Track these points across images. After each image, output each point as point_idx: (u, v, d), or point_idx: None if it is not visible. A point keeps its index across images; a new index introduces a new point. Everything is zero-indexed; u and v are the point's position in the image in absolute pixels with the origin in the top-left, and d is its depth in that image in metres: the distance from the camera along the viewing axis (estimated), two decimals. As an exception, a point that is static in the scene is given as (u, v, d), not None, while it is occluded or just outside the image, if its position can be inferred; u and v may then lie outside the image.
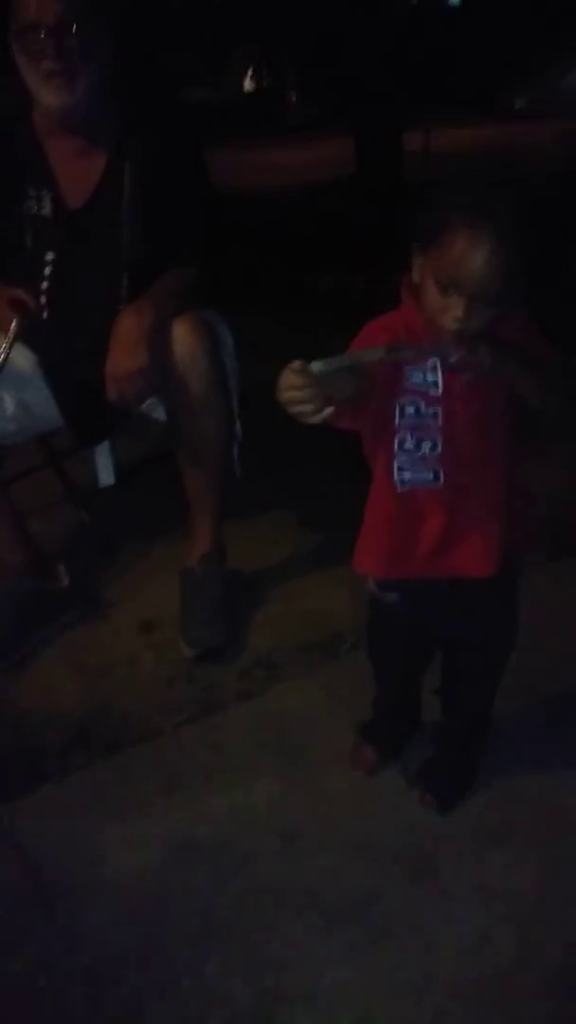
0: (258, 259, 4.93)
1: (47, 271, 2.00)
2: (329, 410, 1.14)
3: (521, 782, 1.59)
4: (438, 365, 1.27)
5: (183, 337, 1.90)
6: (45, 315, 1.99)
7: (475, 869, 1.45)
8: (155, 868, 1.49)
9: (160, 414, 2.04)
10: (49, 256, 1.99)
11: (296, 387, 1.13)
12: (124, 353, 1.85)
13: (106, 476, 2.40)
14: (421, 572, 1.39)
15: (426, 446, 1.31)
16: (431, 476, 1.33)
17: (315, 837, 1.52)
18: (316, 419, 1.15)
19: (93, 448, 2.43)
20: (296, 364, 1.13)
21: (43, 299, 1.99)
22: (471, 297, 1.19)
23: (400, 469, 1.33)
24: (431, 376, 1.28)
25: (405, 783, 1.60)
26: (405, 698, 1.64)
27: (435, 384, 1.28)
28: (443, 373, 1.27)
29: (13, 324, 1.89)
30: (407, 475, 1.33)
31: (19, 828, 1.57)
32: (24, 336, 1.93)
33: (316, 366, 1.13)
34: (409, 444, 1.32)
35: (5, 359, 1.88)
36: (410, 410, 1.30)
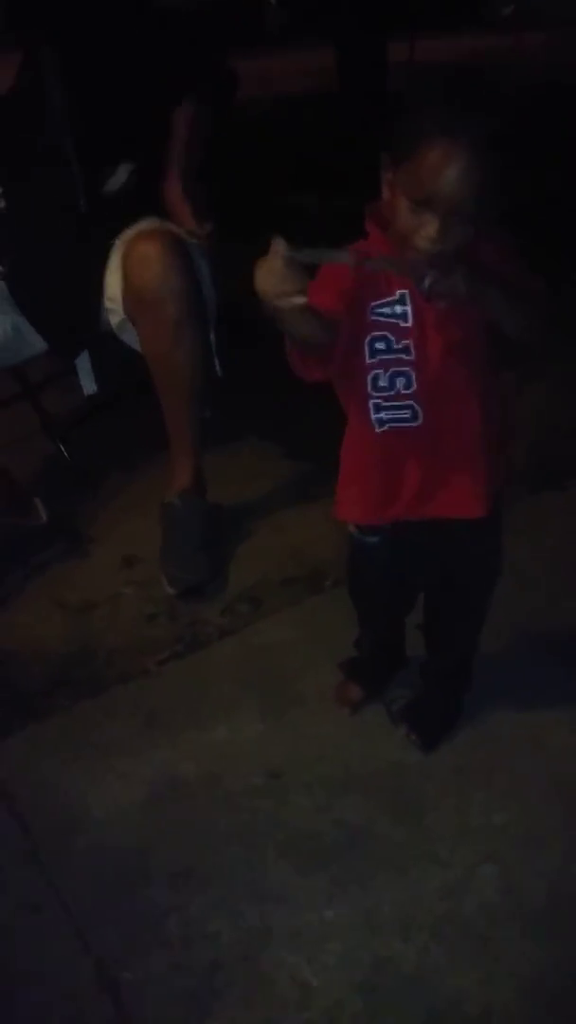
0: (235, 176, 4.76)
1: None
2: (302, 299, 1.08)
3: (505, 720, 1.59)
4: (407, 297, 1.20)
5: (155, 257, 1.83)
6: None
7: (458, 808, 1.45)
8: (139, 807, 1.49)
9: (134, 341, 1.98)
10: None
11: (274, 270, 1.07)
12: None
13: (88, 384, 2.32)
14: (405, 515, 1.35)
15: (400, 383, 1.25)
16: (408, 414, 1.27)
17: (299, 775, 1.52)
18: (290, 304, 1.09)
19: (73, 362, 2.34)
20: (276, 243, 1.06)
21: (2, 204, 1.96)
22: (446, 214, 1.11)
23: (376, 408, 1.28)
24: (399, 307, 1.21)
25: (390, 720, 1.60)
26: (388, 637, 1.63)
27: (404, 316, 1.22)
28: (413, 304, 1.21)
29: None
30: (384, 415, 1.28)
31: (2, 769, 1.56)
32: None
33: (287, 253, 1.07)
34: (383, 381, 1.26)
35: None
36: (380, 345, 1.24)
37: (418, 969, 1.25)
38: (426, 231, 1.12)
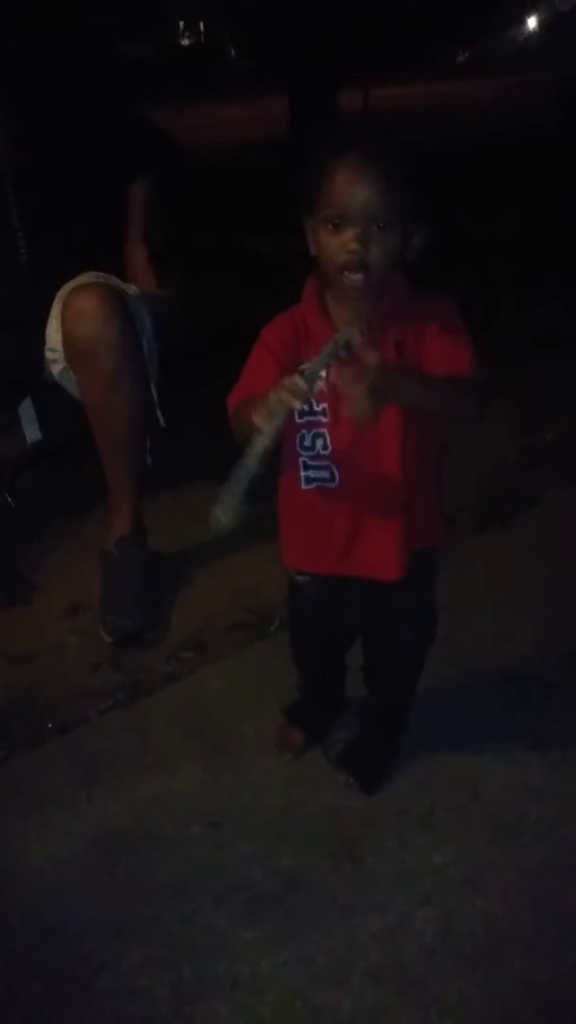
0: (194, 220, 4.82)
1: None
2: None
3: (444, 760, 1.59)
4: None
5: (91, 310, 1.87)
6: None
7: (398, 851, 1.45)
8: (76, 861, 1.46)
9: (75, 390, 1.99)
10: None
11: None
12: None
13: (32, 431, 2.33)
14: (332, 570, 1.38)
15: (319, 443, 1.29)
16: (327, 475, 1.30)
17: (239, 823, 1.51)
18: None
19: (16, 410, 2.34)
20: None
21: None
22: (362, 223, 1.18)
23: (305, 466, 1.31)
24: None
25: (330, 765, 1.60)
26: (326, 679, 1.63)
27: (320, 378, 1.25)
28: (328, 369, 1.23)
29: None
30: (311, 473, 1.31)
31: None
32: None
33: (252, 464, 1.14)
34: (307, 441, 1.30)
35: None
36: (304, 407, 1.26)
37: (354, 1016, 1.23)
38: (345, 242, 1.19)
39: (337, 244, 1.20)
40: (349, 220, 1.19)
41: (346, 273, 1.21)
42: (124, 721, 1.74)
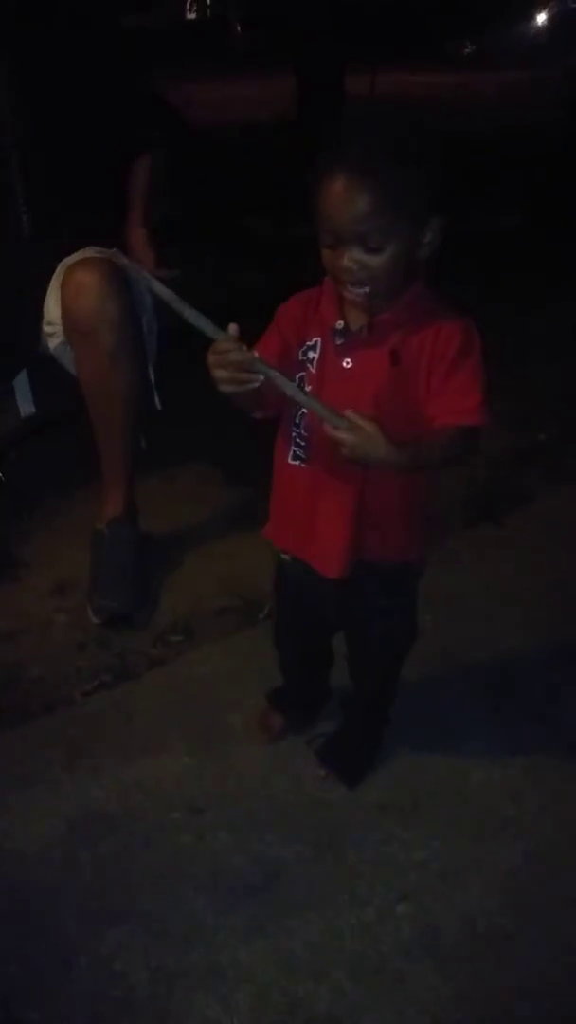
0: (193, 200, 4.77)
1: None
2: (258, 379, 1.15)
3: (428, 757, 1.59)
4: (319, 344, 1.24)
5: (91, 286, 1.84)
6: None
7: (379, 844, 1.45)
8: (58, 842, 1.46)
9: (71, 365, 1.97)
10: None
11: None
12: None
13: (26, 405, 2.30)
14: (295, 550, 1.37)
15: (304, 423, 1.28)
16: (304, 454, 1.29)
17: (222, 811, 1.51)
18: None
19: (11, 383, 2.32)
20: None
21: None
22: (352, 241, 1.14)
23: (293, 443, 1.30)
24: (311, 353, 1.25)
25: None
26: (305, 663, 1.62)
27: (313, 361, 1.25)
28: (321, 352, 1.24)
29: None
30: (297, 450, 1.30)
31: None
32: None
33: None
34: (298, 418, 1.28)
35: None
36: (300, 385, 1.25)
37: (331, 1010, 1.24)
38: (340, 261, 1.16)
39: (333, 262, 1.17)
40: (342, 240, 1.15)
41: (348, 287, 1.19)
42: (109, 703, 1.73)
